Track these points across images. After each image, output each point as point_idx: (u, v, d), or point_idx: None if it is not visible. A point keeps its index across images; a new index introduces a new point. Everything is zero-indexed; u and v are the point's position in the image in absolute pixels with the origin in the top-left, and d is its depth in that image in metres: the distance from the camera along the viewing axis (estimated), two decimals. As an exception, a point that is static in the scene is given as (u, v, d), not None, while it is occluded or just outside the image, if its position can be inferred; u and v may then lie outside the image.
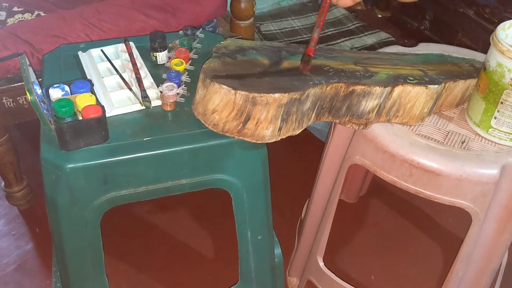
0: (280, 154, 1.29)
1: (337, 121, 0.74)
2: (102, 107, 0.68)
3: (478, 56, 0.90)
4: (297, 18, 1.88)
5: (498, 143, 0.72)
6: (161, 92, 0.73)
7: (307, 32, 1.80)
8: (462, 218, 0.73)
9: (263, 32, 1.78)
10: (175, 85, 0.73)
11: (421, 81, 0.72)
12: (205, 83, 0.68)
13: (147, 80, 0.78)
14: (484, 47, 1.67)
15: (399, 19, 1.97)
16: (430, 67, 0.79)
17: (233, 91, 0.65)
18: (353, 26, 1.81)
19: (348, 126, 0.74)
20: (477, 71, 0.79)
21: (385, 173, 0.75)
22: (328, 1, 0.73)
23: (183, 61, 0.78)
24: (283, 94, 0.65)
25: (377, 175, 0.76)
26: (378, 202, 1.29)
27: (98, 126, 0.67)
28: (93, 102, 0.68)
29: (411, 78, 0.72)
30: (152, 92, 0.76)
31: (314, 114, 0.72)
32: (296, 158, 1.33)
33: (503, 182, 0.69)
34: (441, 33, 1.72)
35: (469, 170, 0.69)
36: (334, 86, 0.70)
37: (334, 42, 1.73)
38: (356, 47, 1.70)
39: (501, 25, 0.71)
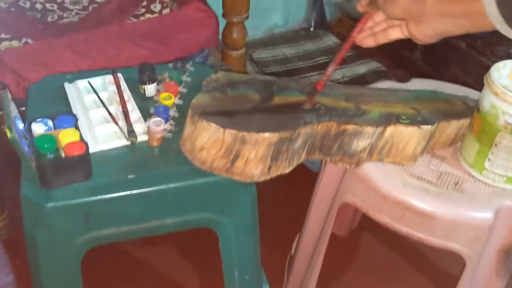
0: (271, 185, 1.26)
1: (328, 159, 0.73)
2: (86, 143, 0.66)
3: (471, 92, 0.89)
4: (289, 46, 1.88)
5: (492, 185, 0.71)
6: (148, 127, 0.71)
7: (299, 60, 1.80)
8: (456, 256, 0.71)
9: (255, 59, 1.77)
10: (163, 121, 0.71)
11: (414, 121, 0.70)
12: (194, 119, 0.67)
13: (134, 114, 0.76)
14: (476, 79, 1.68)
15: (391, 48, 1.98)
16: (423, 105, 0.77)
17: (221, 129, 0.63)
18: (346, 55, 1.80)
19: (340, 164, 0.72)
20: (470, 109, 0.78)
21: (376, 213, 0.73)
22: (352, 39, 0.71)
23: (171, 95, 0.76)
24: (273, 133, 0.63)
25: (368, 215, 0.74)
26: (370, 236, 1.27)
27: (81, 164, 0.65)
28: (77, 138, 0.66)
29: (404, 118, 0.71)
30: (139, 127, 0.74)
31: (305, 152, 0.70)
32: (287, 189, 1.31)
33: (497, 225, 0.68)
34: (432, 63, 1.73)
35: (462, 213, 0.67)
36: (325, 124, 0.68)
37: (322, 71, 1.72)
38: (347, 76, 1.70)
39: (495, 65, 0.71)
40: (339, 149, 0.71)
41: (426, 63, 1.75)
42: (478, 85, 1.68)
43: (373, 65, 1.75)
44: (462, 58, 1.66)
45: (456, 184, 0.71)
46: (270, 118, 0.67)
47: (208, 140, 0.65)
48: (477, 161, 0.71)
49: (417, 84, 0.91)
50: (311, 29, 2.14)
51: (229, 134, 0.63)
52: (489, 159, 0.69)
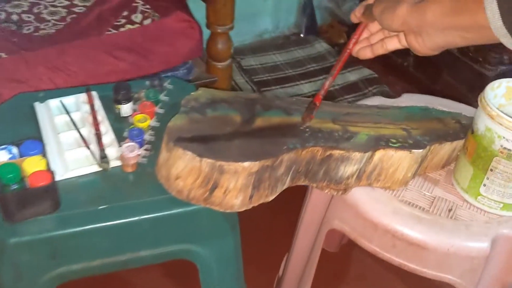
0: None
1: (314, 185, 0.68)
2: (52, 173, 0.61)
3: (464, 109, 0.85)
4: (279, 52, 1.84)
5: (488, 211, 0.67)
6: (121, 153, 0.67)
7: (289, 68, 1.75)
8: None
9: (244, 67, 1.73)
10: (137, 145, 0.67)
11: (405, 144, 0.66)
12: (169, 146, 0.62)
13: (108, 137, 0.72)
14: (468, 86, 1.64)
15: (383, 55, 1.94)
16: (414, 124, 0.73)
17: (198, 158, 0.59)
18: (335, 62, 1.76)
19: (326, 191, 0.68)
20: (463, 129, 0.74)
21: (366, 242, 0.69)
22: (349, 51, 0.68)
23: (147, 116, 0.72)
24: (253, 162, 0.59)
25: (357, 243, 0.70)
26: (361, 252, 1.22)
27: (47, 195, 0.60)
28: (43, 166, 0.62)
29: (394, 141, 0.67)
30: (113, 151, 0.69)
31: (289, 178, 0.66)
32: (273, 206, 1.26)
33: (494, 256, 0.64)
34: (425, 70, 1.69)
35: (457, 243, 0.63)
36: (310, 150, 0.64)
37: (316, 78, 1.69)
38: (338, 84, 1.66)
39: (490, 84, 0.67)
40: (325, 175, 0.67)
41: (418, 69, 1.72)
42: (470, 92, 1.65)
43: (365, 72, 1.71)
44: (454, 65, 1.63)
45: (449, 210, 0.67)
46: (250, 144, 0.63)
47: (184, 169, 0.61)
48: (471, 186, 0.67)
49: (408, 99, 0.87)
50: (302, 34, 2.10)
51: (206, 163, 0.59)
52: (484, 185, 0.65)
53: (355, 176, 0.66)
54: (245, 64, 1.75)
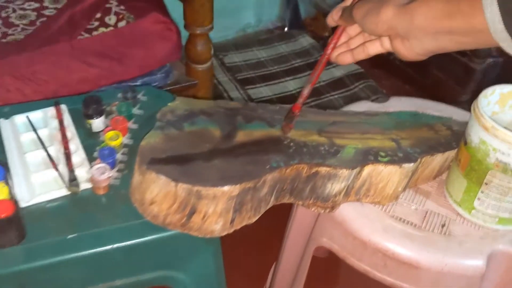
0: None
1: (300, 202, 0.64)
2: (16, 202, 0.56)
3: (455, 112, 0.82)
4: (263, 48, 1.79)
5: (483, 225, 0.64)
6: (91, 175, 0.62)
7: (273, 64, 1.70)
8: None
9: (227, 65, 1.68)
10: (108, 167, 0.62)
11: (394, 158, 0.62)
12: (142, 169, 0.57)
13: (78, 156, 0.67)
14: (457, 79, 1.61)
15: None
16: (403, 133, 0.69)
17: (173, 183, 0.54)
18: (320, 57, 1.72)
19: (313, 209, 0.64)
20: (455, 137, 0.70)
21: (355, 261, 0.65)
22: (327, 57, 0.63)
23: (119, 133, 0.67)
24: (233, 186, 0.54)
25: (347, 262, 0.66)
26: (351, 256, 1.19)
27: (10, 227, 0.55)
28: (5, 195, 0.57)
29: (383, 154, 0.63)
30: (83, 172, 0.65)
31: (273, 197, 0.62)
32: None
33: (490, 273, 0.60)
34: (412, 64, 1.66)
35: (451, 262, 0.60)
36: (295, 167, 0.60)
37: (301, 74, 1.65)
38: (324, 80, 1.62)
39: (483, 92, 0.63)
40: (312, 192, 0.63)
41: (405, 63, 1.68)
42: (459, 85, 1.62)
43: (351, 67, 1.67)
44: (442, 59, 1.59)
45: (443, 226, 0.64)
46: (231, 163, 0.58)
47: (158, 194, 0.56)
48: (465, 199, 0.63)
49: (397, 103, 0.83)
50: (286, 28, 2.05)
51: (182, 188, 0.54)
52: (478, 198, 0.62)
53: (343, 193, 0.63)
54: (228, 61, 1.70)
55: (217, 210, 0.55)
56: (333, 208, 0.64)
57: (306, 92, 0.63)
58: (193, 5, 0.99)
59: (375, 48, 0.59)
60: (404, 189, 0.66)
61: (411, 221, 0.64)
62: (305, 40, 1.83)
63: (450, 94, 1.60)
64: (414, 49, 0.53)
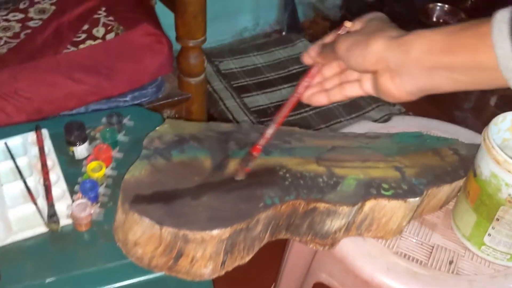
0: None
1: (297, 238, 0.60)
2: (-13, 245, 0.52)
3: (460, 132, 0.77)
4: (260, 54, 1.74)
5: (493, 262, 0.59)
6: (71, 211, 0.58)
7: (270, 71, 1.66)
8: None
9: (223, 72, 1.63)
10: (89, 203, 0.57)
11: (398, 191, 0.58)
12: (125, 207, 0.53)
13: (59, 187, 0.62)
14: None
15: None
16: (407, 160, 0.65)
17: (157, 226, 0.50)
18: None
19: (311, 246, 0.60)
20: (462, 163, 0.66)
21: (357, 300, 0.61)
22: (298, 96, 0.56)
23: (102, 164, 0.62)
24: (223, 229, 0.50)
25: (347, 300, 0.62)
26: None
27: (-19, 273, 0.51)
28: (-24, 237, 0.52)
29: (386, 187, 0.58)
30: (63, 206, 0.60)
31: (268, 234, 0.58)
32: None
33: (501, 315, 0.56)
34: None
35: (460, 305, 0.55)
36: (291, 203, 0.55)
37: (296, 82, 1.59)
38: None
39: (494, 119, 0.58)
40: (310, 228, 0.58)
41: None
42: (462, 93, 1.56)
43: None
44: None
45: (450, 263, 0.59)
46: (221, 201, 0.54)
47: (142, 236, 0.52)
48: (474, 234, 0.59)
49: (400, 123, 0.79)
50: (283, 31, 2.00)
51: (167, 231, 0.50)
52: (489, 234, 0.57)
53: (343, 229, 0.58)
54: (223, 68, 1.65)
55: (206, 254, 0.51)
56: (332, 245, 0.59)
57: (269, 132, 0.57)
58: (185, 17, 0.95)
59: (353, 90, 0.54)
60: (408, 222, 0.62)
61: (416, 258, 0.59)
62: (303, 45, 1.78)
63: (453, 101, 1.56)
64: (405, 86, 0.47)
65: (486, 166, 0.55)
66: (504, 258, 0.58)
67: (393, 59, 0.46)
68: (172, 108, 1.06)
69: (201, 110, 1.09)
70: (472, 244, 0.60)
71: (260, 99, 1.54)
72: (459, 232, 0.61)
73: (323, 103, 0.56)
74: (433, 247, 0.61)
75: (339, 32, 0.53)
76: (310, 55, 0.55)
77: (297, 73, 1.64)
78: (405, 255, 0.60)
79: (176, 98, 1.05)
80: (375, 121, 1.45)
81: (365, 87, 0.52)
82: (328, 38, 0.55)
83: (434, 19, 1.82)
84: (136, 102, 1.00)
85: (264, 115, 1.46)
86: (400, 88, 0.48)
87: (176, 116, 1.07)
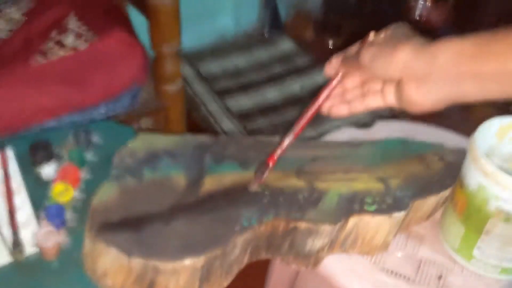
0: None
1: (279, 258, 0.57)
2: None
3: (447, 137, 0.75)
4: (241, 54, 1.70)
5: (484, 275, 0.57)
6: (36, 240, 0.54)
7: (252, 72, 1.62)
8: None
9: (203, 75, 1.59)
10: (55, 231, 0.54)
11: (382, 206, 0.55)
12: (91, 235, 0.49)
13: (24, 212, 0.59)
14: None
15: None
16: (391, 169, 0.62)
17: (125, 257, 0.47)
18: (303, 63, 1.65)
19: (293, 265, 0.57)
20: (449, 171, 0.63)
21: (344, 320, 0.58)
22: (318, 107, 0.55)
23: (69, 186, 0.59)
24: (197, 257, 0.47)
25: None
26: None
27: None
28: None
29: (369, 201, 0.56)
30: (29, 233, 0.56)
31: (247, 256, 0.54)
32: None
33: (494, 332, 0.54)
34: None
35: (451, 323, 0.53)
36: (270, 224, 0.52)
37: (283, 82, 1.57)
38: (305, 88, 1.54)
39: (481, 126, 0.56)
40: (291, 248, 0.55)
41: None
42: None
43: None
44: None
45: (439, 278, 0.57)
46: (194, 224, 0.50)
47: (111, 266, 0.48)
48: (463, 247, 0.56)
49: (383, 129, 0.76)
50: (265, 31, 1.96)
51: (136, 262, 0.46)
52: (478, 247, 0.55)
53: (326, 248, 0.55)
54: (204, 71, 1.61)
55: (179, 284, 0.48)
56: (316, 264, 0.56)
57: (286, 142, 0.55)
58: (158, 22, 0.91)
59: (376, 101, 0.52)
60: (395, 235, 0.59)
61: (404, 274, 0.57)
62: (286, 44, 1.74)
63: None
64: (431, 95, 0.46)
65: (473, 177, 0.53)
66: (495, 271, 0.56)
67: (420, 66, 0.45)
68: (150, 117, 1.03)
69: (179, 118, 1.06)
70: (461, 257, 0.57)
71: (243, 102, 1.50)
72: (448, 244, 0.59)
73: (343, 114, 0.55)
74: (421, 261, 0.58)
75: (363, 42, 0.52)
76: (333, 65, 0.54)
77: (280, 74, 1.61)
78: (391, 271, 0.57)
79: (153, 107, 1.01)
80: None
81: (387, 99, 0.51)
82: (352, 49, 0.53)
83: (418, 15, 1.80)
84: (111, 112, 0.96)
85: (248, 118, 1.43)
86: (426, 97, 0.47)
87: (154, 125, 1.04)
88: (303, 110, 0.57)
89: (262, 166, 0.56)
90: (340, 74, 0.54)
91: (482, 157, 0.51)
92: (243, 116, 1.44)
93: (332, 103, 0.55)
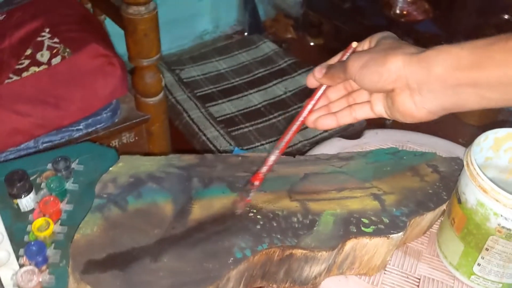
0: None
1: (275, 286, 0.55)
2: None
3: (438, 144, 0.73)
4: (222, 58, 1.67)
5: (484, 291, 0.55)
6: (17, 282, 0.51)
7: (234, 76, 1.60)
8: None
9: (185, 80, 1.56)
10: (36, 270, 0.51)
11: (380, 227, 0.53)
12: (75, 276, 0.46)
13: (3, 249, 0.55)
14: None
15: (333, 47, 1.81)
16: (385, 185, 0.60)
17: (113, 301, 0.44)
18: (285, 64, 1.62)
19: (290, 293, 0.55)
20: (444, 183, 0.61)
21: None
22: (302, 121, 0.53)
23: (49, 220, 0.55)
24: (189, 297, 0.44)
25: None
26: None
27: None
28: None
29: (366, 222, 0.54)
30: (9, 272, 0.53)
31: (241, 286, 0.52)
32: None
33: None
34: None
35: None
36: (264, 252, 0.50)
37: (265, 85, 1.54)
38: (290, 90, 1.52)
39: (476, 140, 0.54)
40: (287, 275, 0.53)
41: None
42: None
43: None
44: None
45: (440, 297, 0.55)
46: (184, 259, 0.48)
47: (98, 309, 0.45)
48: (463, 264, 0.55)
49: (372, 139, 0.74)
50: (245, 32, 1.93)
51: (125, 305, 0.44)
52: (479, 264, 0.53)
53: (323, 274, 0.53)
54: (185, 76, 1.58)
55: (172, 325, 0.45)
56: (313, 289, 0.54)
57: (272, 160, 0.53)
58: (136, 35, 0.87)
59: (364, 112, 0.50)
60: (392, 255, 0.57)
61: (403, 294, 0.55)
62: (267, 46, 1.72)
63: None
64: (426, 105, 0.44)
65: (471, 194, 0.51)
66: (496, 287, 0.54)
67: (414, 76, 0.43)
68: (131, 131, 0.99)
69: (162, 130, 1.02)
70: (461, 274, 0.56)
71: (226, 108, 1.47)
72: (446, 261, 0.57)
73: (331, 126, 0.52)
74: (419, 279, 0.57)
75: (346, 53, 0.50)
76: (316, 77, 0.52)
77: (262, 77, 1.58)
78: (391, 292, 0.55)
79: (134, 121, 0.98)
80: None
81: (376, 109, 0.49)
82: (334, 59, 0.52)
83: (398, 11, 1.79)
84: (90, 129, 0.93)
85: (231, 124, 1.40)
86: (421, 107, 0.44)
87: (136, 139, 1.00)
88: (287, 127, 0.54)
89: (247, 185, 0.53)
90: (323, 86, 0.52)
91: (480, 174, 0.49)
92: (227, 122, 1.41)
93: (318, 115, 0.53)
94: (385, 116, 0.49)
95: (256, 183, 0.54)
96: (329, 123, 0.52)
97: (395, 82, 0.45)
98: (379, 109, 0.49)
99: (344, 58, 0.51)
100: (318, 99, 0.52)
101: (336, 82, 0.51)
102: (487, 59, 0.40)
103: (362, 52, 0.48)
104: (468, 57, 0.41)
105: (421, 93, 0.44)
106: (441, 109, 0.44)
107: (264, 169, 0.54)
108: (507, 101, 0.41)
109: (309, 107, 0.52)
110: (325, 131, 1.36)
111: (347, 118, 0.51)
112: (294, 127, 0.52)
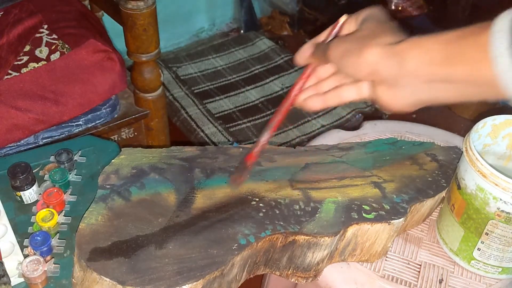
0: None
1: (277, 273, 0.55)
2: None
3: (435, 134, 0.74)
4: (219, 56, 1.67)
5: (484, 276, 0.56)
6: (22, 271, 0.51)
7: (231, 72, 1.60)
8: None
9: (182, 78, 1.56)
10: (41, 259, 0.51)
11: (381, 213, 0.54)
12: (81, 264, 0.47)
13: (7, 241, 0.55)
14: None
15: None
16: (385, 173, 0.61)
17: (119, 286, 0.44)
18: (281, 61, 1.63)
19: (293, 279, 0.55)
20: (443, 171, 0.62)
21: (346, 330, 0.57)
22: (291, 101, 0.52)
23: (53, 211, 0.56)
24: (195, 282, 0.45)
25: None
26: None
27: None
28: None
29: (367, 208, 0.54)
30: (14, 262, 0.53)
31: (245, 273, 0.53)
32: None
33: (498, 333, 0.53)
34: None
35: (456, 328, 0.52)
36: (268, 239, 0.51)
37: (263, 82, 1.55)
38: (286, 86, 1.53)
39: (474, 127, 0.55)
40: (290, 262, 0.53)
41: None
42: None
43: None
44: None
45: (440, 282, 0.56)
46: (190, 247, 0.48)
47: (105, 296, 0.46)
48: (463, 249, 0.56)
49: (371, 130, 0.75)
50: (241, 30, 1.94)
51: (131, 290, 0.44)
52: (478, 249, 0.54)
53: (326, 260, 0.54)
54: (182, 74, 1.58)
55: (178, 309, 0.46)
56: (316, 276, 0.55)
57: (264, 139, 0.53)
58: (134, 30, 0.88)
59: (350, 94, 0.50)
60: (393, 241, 0.58)
61: (404, 279, 0.56)
62: (263, 43, 1.72)
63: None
64: (401, 99, 0.44)
65: (471, 179, 0.52)
66: (496, 271, 0.55)
67: (388, 70, 0.43)
68: (130, 127, 1.00)
69: (161, 125, 1.03)
70: (461, 259, 0.57)
71: (224, 104, 1.48)
72: (446, 247, 0.58)
73: (318, 107, 0.52)
74: (420, 265, 0.57)
75: (334, 29, 0.49)
76: (303, 55, 0.51)
77: (259, 74, 1.59)
78: (392, 277, 0.56)
79: (133, 116, 0.98)
80: (343, 117, 1.42)
81: (362, 92, 0.48)
82: (322, 36, 0.51)
83: (393, 6, 1.80)
84: (90, 125, 0.93)
85: (229, 120, 1.41)
86: (397, 100, 0.44)
87: (136, 135, 1.01)
88: (278, 106, 0.54)
89: (241, 165, 0.54)
90: (311, 66, 0.52)
91: (480, 159, 0.50)
92: (225, 118, 1.42)
93: (307, 95, 0.52)
94: (369, 100, 0.49)
95: (249, 162, 0.54)
96: (316, 104, 0.52)
97: (371, 75, 0.44)
98: (365, 93, 0.48)
99: (332, 35, 0.50)
100: (306, 79, 0.52)
101: (322, 63, 0.51)
102: (458, 56, 0.39)
103: (342, 38, 0.48)
104: (439, 52, 0.40)
105: (398, 87, 0.43)
106: (418, 103, 0.44)
107: (257, 149, 0.54)
108: (485, 95, 0.40)
109: (298, 86, 0.52)
110: (323, 126, 1.37)
111: (334, 100, 0.51)
112: (284, 107, 0.52)
